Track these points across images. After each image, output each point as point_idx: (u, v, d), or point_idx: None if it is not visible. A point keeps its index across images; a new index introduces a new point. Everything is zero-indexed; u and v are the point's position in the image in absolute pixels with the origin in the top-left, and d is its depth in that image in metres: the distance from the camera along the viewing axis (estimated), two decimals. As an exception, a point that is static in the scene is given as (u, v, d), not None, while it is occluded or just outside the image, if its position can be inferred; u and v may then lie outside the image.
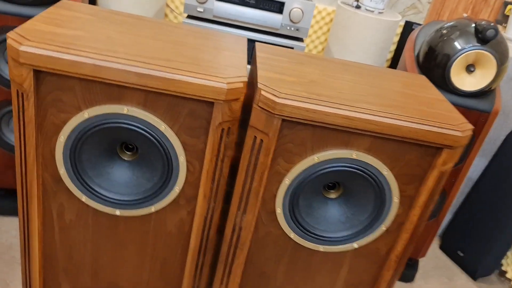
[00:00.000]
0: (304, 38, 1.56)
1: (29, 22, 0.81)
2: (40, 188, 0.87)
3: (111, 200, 0.88)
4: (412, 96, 0.92)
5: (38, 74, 0.76)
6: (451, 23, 1.47)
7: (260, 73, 0.85)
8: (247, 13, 1.49)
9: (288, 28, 1.51)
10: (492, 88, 1.46)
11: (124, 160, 0.88)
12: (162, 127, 0.81)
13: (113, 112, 0.79)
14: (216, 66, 0.81)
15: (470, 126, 0.83)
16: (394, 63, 2.08)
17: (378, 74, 1.01)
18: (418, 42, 1.65)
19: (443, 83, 1.44)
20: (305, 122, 0.79)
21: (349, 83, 0.90)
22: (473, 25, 1.40)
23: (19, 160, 0.84)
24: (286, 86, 0.81)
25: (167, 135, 0.82)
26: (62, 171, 0.85)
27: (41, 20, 0.84)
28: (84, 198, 0.88)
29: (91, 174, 0.86)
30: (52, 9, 0.92)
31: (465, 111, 1.46)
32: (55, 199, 0.89)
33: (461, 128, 0.82)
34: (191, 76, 0.76)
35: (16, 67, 0.74)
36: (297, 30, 1.51)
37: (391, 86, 0.95)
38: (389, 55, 2.08)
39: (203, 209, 0.89)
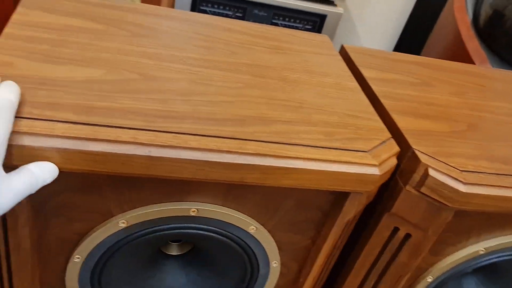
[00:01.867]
0: (334, 1, 1.19)
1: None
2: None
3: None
4: None
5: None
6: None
7: (397, 120, 0.51)
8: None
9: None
10: None
11: (172, 256, 0.55)
12: (252, 228, 0.48)
13: (171, 215, 0.45)
14: (339, 123, 0.47)
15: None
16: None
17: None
18: (469, 0, 1.33)
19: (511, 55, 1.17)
20: (487, 210, 0.48)
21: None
22: None
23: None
24: (455, 149, 0.49)
25: (257, 238, 0.49)
26: (76, 299, 0.51)
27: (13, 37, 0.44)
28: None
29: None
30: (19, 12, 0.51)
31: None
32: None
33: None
34: (319, 161, 0.42)
35: None
36: (335, -9, 1.14)
37: None
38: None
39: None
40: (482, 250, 0.54)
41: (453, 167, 0.46)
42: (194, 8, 1.14)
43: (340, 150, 0.43)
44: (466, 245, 0.54)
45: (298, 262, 0.54)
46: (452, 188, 0.45)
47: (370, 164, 0.43)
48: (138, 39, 0.52)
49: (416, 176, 0.46)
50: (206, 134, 0.39)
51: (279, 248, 0.51)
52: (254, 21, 1.19)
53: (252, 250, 0.49)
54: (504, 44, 1.18)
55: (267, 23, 1.20)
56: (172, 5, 1.13)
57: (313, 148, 0.42)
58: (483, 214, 0.51)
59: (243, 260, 0.51)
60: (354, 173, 0.42)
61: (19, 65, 0.42)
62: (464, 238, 0.54)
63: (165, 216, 0.44)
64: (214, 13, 1.17)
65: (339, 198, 0.46)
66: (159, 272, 0.55)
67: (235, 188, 0.44)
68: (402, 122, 0.51)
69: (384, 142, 0.46)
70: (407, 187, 0.47)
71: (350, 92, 0.54)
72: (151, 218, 0.44)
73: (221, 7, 1.16)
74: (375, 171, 0.43)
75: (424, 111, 0.55)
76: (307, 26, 1.22)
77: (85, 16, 0.53)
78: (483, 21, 1.24)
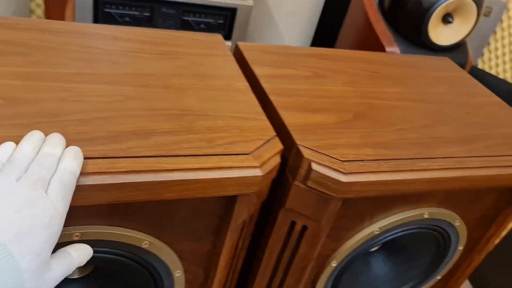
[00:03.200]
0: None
1: None
2: None
3: None
4: (469, 105, 0.68)
5: None
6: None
7: (285, 117, 0.52)
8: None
9: (230, -17, 1.13)
10: (465, 40, 1.29)
11: (74, 280, 0.53)
12: (146, 242, 0.47)
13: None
14: (224, 126, 0.47)
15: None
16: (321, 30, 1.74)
17: (405, 69, 0.74)
18: (375, -16, 1.38)
19: (415, 36, 1.22)
20: (371, 195, 0.50)
21: (403, 104, 0.62)
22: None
23: None
24: (340, 140, 0.51)
25: (153, 251, 0.48)
26: None
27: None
28: None
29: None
30: None
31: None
32: None
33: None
34: (199, 170, 0.41)
35: None
36: (242, -15, 1.14)
37: (440, 91, 0.69)
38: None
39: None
40: (377, 230, 0.57)
41: (335, 159, 0.47)
42: (96, 11, 1.10)
43: (221, 156, 0.43)
44: (362, 228, 0.57)
45: (203, 268, 0.54)
46: (334, 179, 0.46)
47: (252, 166, 0.43)
48: (5, 58, 0.49)
49: (302, 171, 0.47)
50: (73, 157, 0.38)
51: (180, 258, 0.50)
52: (163, 20, 1.16)
53: (150, 263, 0.49)
54: (407, 24, 1.23)
55: (177, 21, 1.18)
56: (73, 11, 1.08)
57: (193, 157, 0.42)
58: (371, 198, 0.53)
59: (144, 274, 0.50)
60: (236, 177, 0.43)
61: None
62: (359, 222, 0.56)
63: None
64: (119, 15, 1.13)
65: (230, 201, 0.46)
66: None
67: (118, 206, 0.43)
68: (289, 119, 0.52)
69: (268, 141, 0.47)
70: (296, 182, 0.48)
71: (239, 93, 0.54)
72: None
73: (127, 8, 1.13)
74: (257, 172, 0.43)
75: (314, 105, 0.57)
76: (219, 21, 1.21)
77: None
78: (387, 4, 1.29)
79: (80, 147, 0.39)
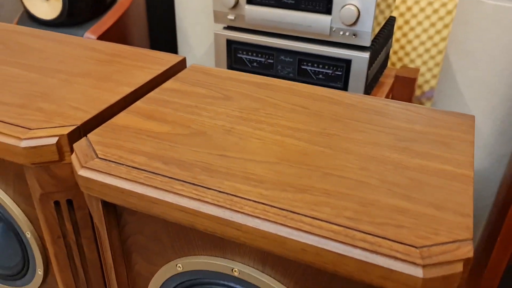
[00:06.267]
0: (368, 46, 1.13)
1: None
2: None
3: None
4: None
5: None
6: None
7: (116, 117, 0.54)
8: (287, 17, 1.15)
9: (341, 33, 1.11)
10: None
11: None
12: (-7, 191, 0.59)
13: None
14: (51, 110, 0.55)
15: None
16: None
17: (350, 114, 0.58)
18: None
19: None
20: (132, 209, 0.45)
21: (278, 138, 0.51)
22: None
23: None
24: (131, 144, 0.49)
25: (1, 204, 0.59)
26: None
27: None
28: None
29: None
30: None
31: None
32: None
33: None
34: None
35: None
36: (354, 35, 1.10)
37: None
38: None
39: (72, 304, 0.63)
40: (180, 267, 0.49)
41: (94, 152, 0.47)
42: (230, 56, 1.28)
43: (8, 125, 0.51)
44: (168, 258, 0.50)
45: (49, 239, 0.60)
46: (75, 170, 0.46)
47: (15, 136, 0.49)
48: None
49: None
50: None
51: (31, 222, 0.59)
52: (282, 67, 1.24)
53: (5, 214, 0.60)
54: None
55: (294, 69, 1.23)
56: (214, 62, 1.30)
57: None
58: (159, 221, 0.47)
59: (7, 227, 0.61)
60: (1, 142, 0.50)
61: None
62: (162, 248, 0.50)
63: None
64: (249, 60, 1.28)
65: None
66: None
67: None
68: (120, 120, 0.54)
69: (61, 126, 0.51)
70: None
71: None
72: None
73: (254, 54, 1.27)
74: (17, 142, 0.49)
75: (172, 114, 0.55)
76: (336, 72, 1.19)
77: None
78: None
79: None
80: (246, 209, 0.40)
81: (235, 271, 0.46)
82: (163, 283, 0.52)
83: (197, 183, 0.43)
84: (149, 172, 0.45)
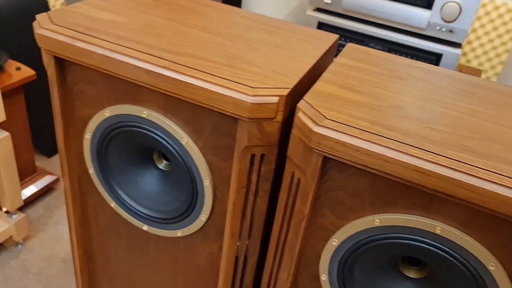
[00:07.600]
0: (461, 43, 1.19)
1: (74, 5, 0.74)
2: (76, 184, 0.81)
3: (138, 213, 0.76)
4: None
5: (61, 61, 0.68)
6: None
7: (317, 85, 0.60)
8: (385, 7, 1.20)
9: (437, 28, 1.16)
10: None
11: (158, 169, 0.75)
12: (184, 140, 0.65)
13: (131, 113, 0.67)
14: (256, 72, 0.61)
15: None
16: None
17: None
18: None
19: None
20: (359, 166, 0.52)
21: (458, 115, 0.58)
22: None
23: (61, 151, 0.78)
24: (346, 110, 0.55)
25: (189, 152, 0.65)
26: (91, 170, 0.77)
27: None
28: (113, 205, 0.79)
29: (119, 180, 0.76)
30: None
31: None
32: (90, 198, 0.82)
33: None
34: (206, 81, 0.57)
35: (43, 52, 0.68)
36: (450, 31, 1.15)
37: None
38: None
39: (231, 249, 0.70)
40: (378, 221, 0.56)
41: (321, 114, 0.53)
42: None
43: (231, 81, 0.57)
44: (364, 213, 0.57)
45: (228, 189, 0.66)
46: (308, 127, 0.52)
47: (243, 92, 0.55)
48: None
49: (295, 119, 0.55)
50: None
51: (212, 171, 0.65)
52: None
53: (188, 162, 0.66)
54: None
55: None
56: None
57: (213, 76, 0.58)
58: (367, 177, 0.54)
59: (184, 171, 0.67)
60: (230, 97, 0.56)
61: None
62: (359, 204, 0.56)
63: (127, 113, 0.66)
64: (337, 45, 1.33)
65: (234, 123, 0.59)
66: (146, 176, 0.76)
67: (170, 99, 0.62)
68: (318, 87, 0.60)
69: (277, 87, 0.57)
70: (292, 130, 0.56)
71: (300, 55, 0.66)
72: (120, 113, 0.67)
73: (343, 38, 1.32)
74: (246, 98, 0.55)
75: (362, 89, 0.61)
76: (423, 65, 1.25)
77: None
78: None
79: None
80: (481, 175, 0.47)
81: (438, 229, 0.53)
82: (351, 235, 0.58)
83: (427, 149, 0.50)
84: (379, 135, 0.51)
